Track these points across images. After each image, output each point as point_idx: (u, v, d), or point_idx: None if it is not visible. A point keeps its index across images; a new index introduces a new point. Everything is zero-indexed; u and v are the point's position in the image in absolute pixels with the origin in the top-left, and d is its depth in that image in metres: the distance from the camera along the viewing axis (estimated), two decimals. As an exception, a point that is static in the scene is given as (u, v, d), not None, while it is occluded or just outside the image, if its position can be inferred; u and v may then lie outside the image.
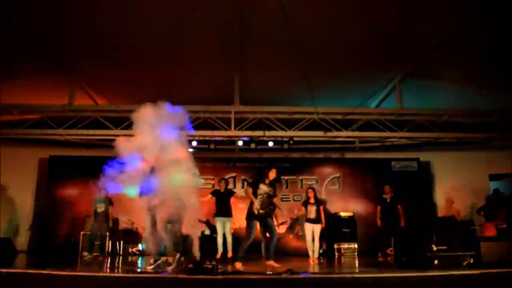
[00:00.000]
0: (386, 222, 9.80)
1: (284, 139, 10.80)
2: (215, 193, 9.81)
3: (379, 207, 10.02)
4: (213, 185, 12.36)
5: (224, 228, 9.57)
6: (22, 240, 11.60)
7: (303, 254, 11.23)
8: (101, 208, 9.74)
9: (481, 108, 10.35)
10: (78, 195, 11.87)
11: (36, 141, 11.72)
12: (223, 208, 9.61)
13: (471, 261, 6.64)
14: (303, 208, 9.90)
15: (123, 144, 6.62)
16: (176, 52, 7.88)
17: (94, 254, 9.58)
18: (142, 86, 10.18)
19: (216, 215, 9.66)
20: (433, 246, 6.69)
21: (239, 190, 12.38)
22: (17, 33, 7.71)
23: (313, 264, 8.74)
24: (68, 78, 9.63)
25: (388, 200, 9.87)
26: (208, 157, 12.48)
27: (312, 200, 9.68)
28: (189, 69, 9.23)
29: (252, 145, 11.01)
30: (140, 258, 10.00)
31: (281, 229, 11.61)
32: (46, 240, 11.44)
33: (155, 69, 9.15)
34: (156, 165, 6.50)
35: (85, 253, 10.24)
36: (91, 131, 10.34)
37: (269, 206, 7.58)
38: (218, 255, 9.33)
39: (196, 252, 6.30)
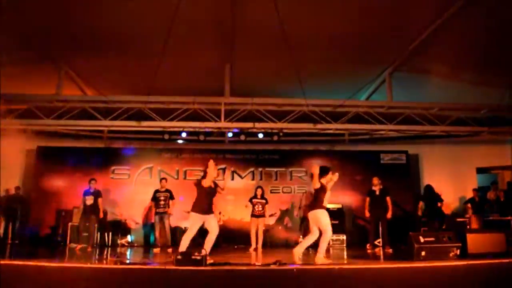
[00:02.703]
0: (374, 214, 9.85)
1: (274, 131, 10.79)
2: (155, 192, 9.88)
3: (367, 199, 10.06)
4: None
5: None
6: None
7: (292, 245, 11.33)
8: (90, 200, 9.69)
9: (470, 102, 10.42)
10: (65, 187, 11.79)
11: (23, 131, 11.59)
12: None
13: (458, 252, 6.71)
14: None
15: None
16: (166, 41, 7.79)
17: (83, 245, 9.55)
18: (131, 76, 10.10)
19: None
20: (421, 237, 6.73)
21: (228, 182, 12.42)
22: (3, 21, 7.58)
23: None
24: (56, 67, 9.52)
25: (377, 192, 9.91)
26: (197, 149, 12.48)
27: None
28: (180, 59, 9.17)
29: (242, 137, 10.99)
30: (128, 250, 9.99)
31: (271, 221, 11.67)
32: (33, 232, 11.36)
33: (145, 59, 9.06)
34: None
35: (73, 245, 10.23)
36: (80, 122, 10.24)
37: None
38: (158, 250, 9.38)
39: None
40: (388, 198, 9.81)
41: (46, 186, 11.85)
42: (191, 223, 6.88)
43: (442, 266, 6.01)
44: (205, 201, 7.01)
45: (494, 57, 8.84)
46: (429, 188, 10.49)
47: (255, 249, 9.54)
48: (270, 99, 10.25)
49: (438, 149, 12.85)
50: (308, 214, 6.98)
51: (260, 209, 9.76)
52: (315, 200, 6.92)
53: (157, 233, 9.73)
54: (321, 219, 6.72)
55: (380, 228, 9.70)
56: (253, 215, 9.78)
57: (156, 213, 9.68)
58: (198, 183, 7.18)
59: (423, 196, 10.70)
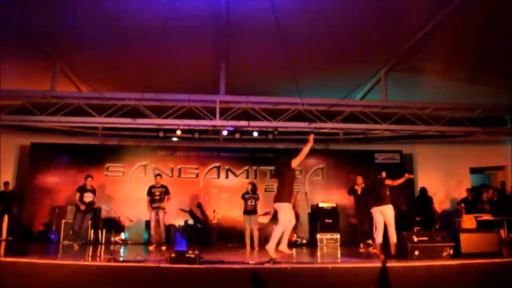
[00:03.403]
0: (358, 214, 9.71)
1: (268, 129, 10.78)
2: (150, 188, 9.89)
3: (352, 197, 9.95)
4: (197, 174, 12.38)
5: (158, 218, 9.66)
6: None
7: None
8: (89, 198, 9.57)
9: (464, 103, 10.46)
10: (59, 183, 11.74)
11: (17, 127, 11.54)
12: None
13: (451, 252, 6.74)
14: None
15: None
16: (161, 39, 7.77)
17: (77, 242, 9.51)
18: (126, 73, 10.06)
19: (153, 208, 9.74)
20: (414, 237, 6.76)
21: (222, 180, 12.46)
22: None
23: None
24: (50, 63, 9.46)
25: (359, 192, 9.73)
26: (192, 147, 12.47)
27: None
28: (175, 57, 9.14)
29: (237, 135, 10.98)
30: (122, 247, 9.96)
31: (265, 219, 11.66)
32: (27, 228, 11.29)
33: (140, 57, 9.02)
34: None
35: (67, 242, 10.18)
36: (74, 118, 10.17)
37: None
38: (153, 248, 9.38)
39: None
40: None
41: (40, 183, 11.80)
42: (290, 215, 6.69)
43: (435, 266, 6.03)
44: (292, 188, 7.05)
45: (488, 56, 8.89)
46: (423, 190, 10.74)
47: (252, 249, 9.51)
48: (265, 98, 10.24)
49: (432, 149, 12.91)
50: (374, 209, 7.74)
51: (253, 203, 9.76)
52: (383, 195, 7.72)
53: (152, 230, 9.69)
54: (389, 213, 7.50)
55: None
56: (245, 212, 9.77)
57: (152, 209, 9.66)
58: (285, 166, 7.19)
59: (418, 197, 10.83)
